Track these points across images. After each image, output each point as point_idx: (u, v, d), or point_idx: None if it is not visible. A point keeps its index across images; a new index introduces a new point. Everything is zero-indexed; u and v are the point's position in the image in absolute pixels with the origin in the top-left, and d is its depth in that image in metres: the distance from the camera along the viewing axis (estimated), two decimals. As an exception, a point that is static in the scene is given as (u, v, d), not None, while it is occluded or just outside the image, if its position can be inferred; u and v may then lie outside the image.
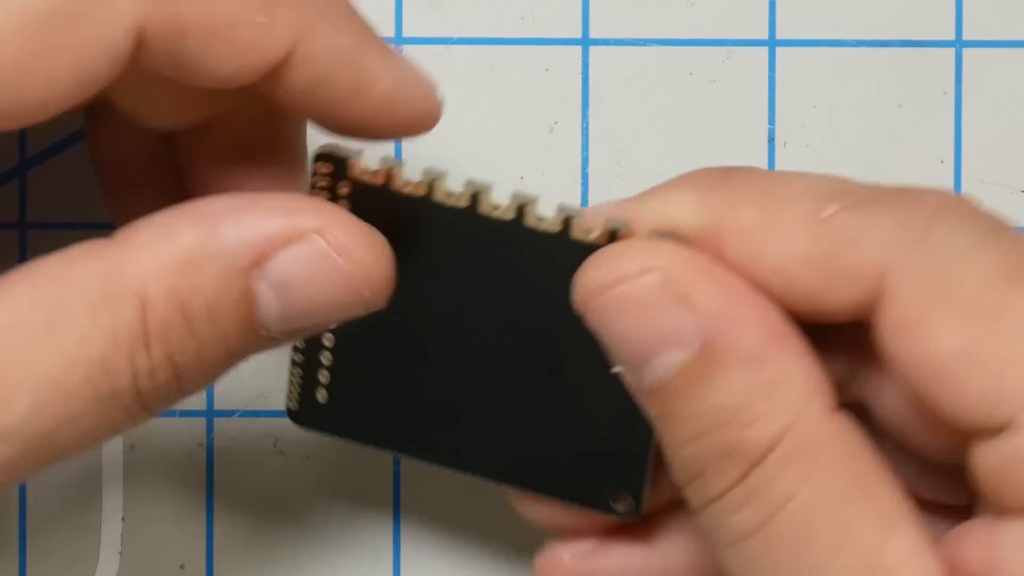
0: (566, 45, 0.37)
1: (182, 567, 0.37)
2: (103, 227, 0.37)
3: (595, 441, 0.31)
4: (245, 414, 0.37)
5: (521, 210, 0.31)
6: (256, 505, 0.37)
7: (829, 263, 0.28)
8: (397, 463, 0.37)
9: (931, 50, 0.37)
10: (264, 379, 0.37)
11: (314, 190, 0.31)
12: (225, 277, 0.28)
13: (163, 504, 0.37)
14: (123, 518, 0.37)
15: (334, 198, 0.31)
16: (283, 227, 0.28)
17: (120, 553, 0.37)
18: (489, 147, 0.38)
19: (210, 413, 0.37)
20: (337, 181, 0.31)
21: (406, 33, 0.37)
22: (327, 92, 0.30)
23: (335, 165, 0.31)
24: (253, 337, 0.29)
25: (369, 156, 0.31)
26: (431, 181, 0.31)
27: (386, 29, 0.37)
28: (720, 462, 0.28)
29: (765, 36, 0.37)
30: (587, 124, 0.37)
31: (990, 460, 0.27)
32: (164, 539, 0.37)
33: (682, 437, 0.28)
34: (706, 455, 0.28)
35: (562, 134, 0.38)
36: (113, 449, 0.37)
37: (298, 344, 0.32)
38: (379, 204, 0.31)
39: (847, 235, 0.28)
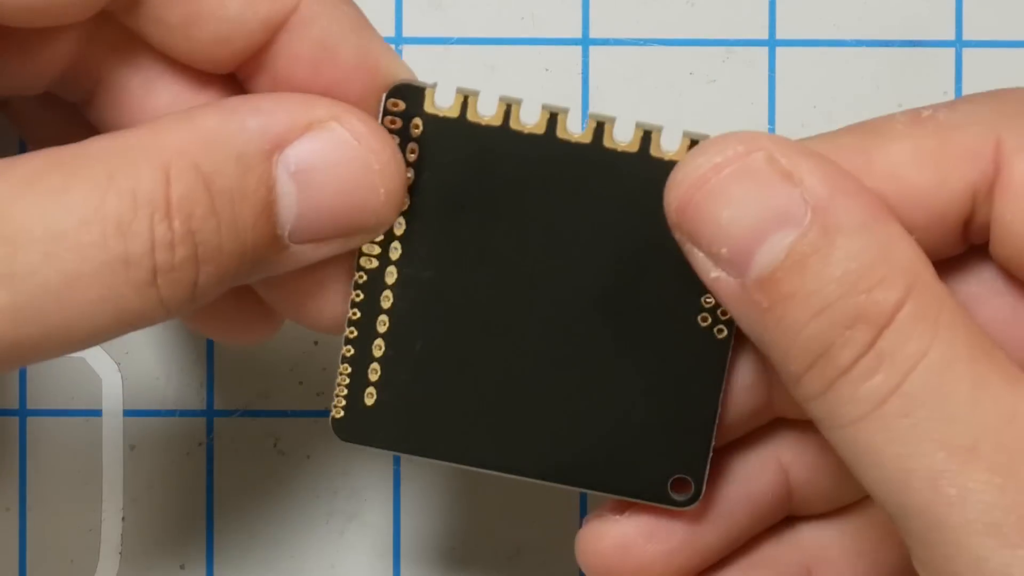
0: (566, 45, 0.37)
1: (182, 567, 0.37)
2: (103, 227, 0.37)
3: (654, 423, 0.31)
4: (245, 414, 0.37)
5: (600, 130, 0.30)
6: (256, 505, 0.37)
7: (940, 151, 0.29)
8: (397, 463, 0.37)
9: (931, 50, 0.37)
10: (264, 379, 0.37)
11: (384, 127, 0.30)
12: (246, 159, 0.28)
13: (163, 504, 0.37)
14: (123, 518, 0.37)
15: (406, 138, 0.30)
16: (302, 114, 0.28)
17: (120, 553, 0.37)
18: (489, 147, 0.38)
19: (210, 413, 0.37)
20: (409, 119, 0.30)
21: (406, 33, 0.37)
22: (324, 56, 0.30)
23: (409, 99, 0.30)
24: (270, 235, 0.28)
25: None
26: (507, 106, 0.30)
27: (386, 29, 0.37)
28: (848, 331, 0.27)
29: (765, 36, 0.37)
30: (586, 123, 0.37)
31: None
32: (164, 539, 0.37)
33: (802, 317, 0.28)
34: (831, 329, 0.28)
35: (562, 134, 0.38)
36: (113, 449, 0.37)
37: (350, 334, 0.31)
38: (453, 139, 0.30)
39: (952, 122, 0.29)
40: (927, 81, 0.37)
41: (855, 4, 0.37)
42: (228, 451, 0.37)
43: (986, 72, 0.37)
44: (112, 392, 0.37)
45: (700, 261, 0.28)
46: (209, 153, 0.28)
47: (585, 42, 0.37)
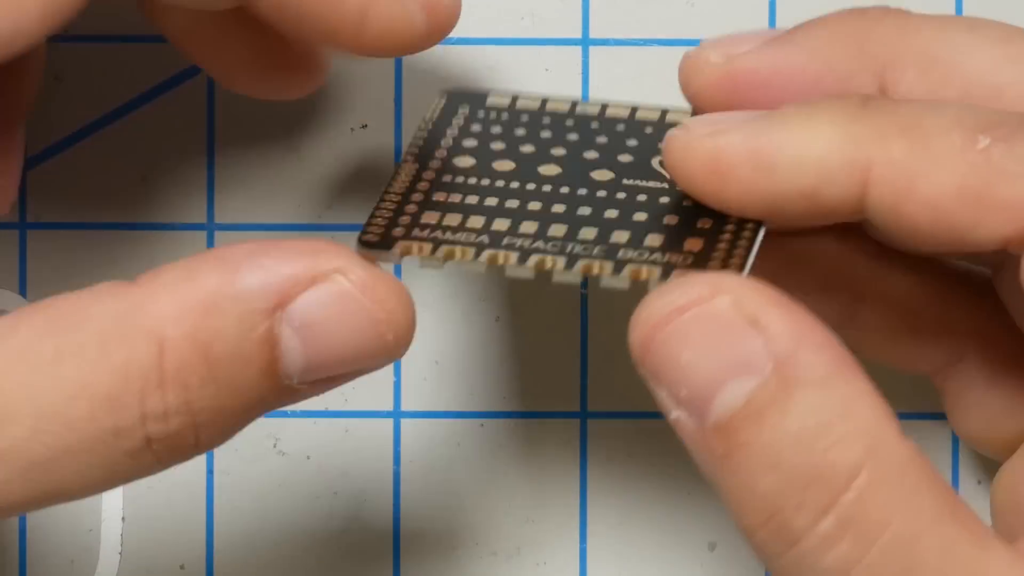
0: (566, 45, 0.37)
1: (182, 567, 0.37)
2: (103, 227, 0.37)
3: None
4: (245, 414, 0.37)
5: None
6: (256, 505, 0.37)
7: (985, 195, 0.28)
8: (397, 462, 0.37)
9: (931, 50, 0.37)
10: (264, 379, 0.37)
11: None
12: (248, 320, 0.28)
13: (163, 504, 0.37)
14: (123, 518, 0.37)
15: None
16: (305, 268, 0.28)
17: (120, 553, 0.37)
18: (489, 147, 0.38)
19: (210, 413, 0.37)
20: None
21: (406, 33, 0.37)
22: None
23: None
24: (275, 386, 0.28)
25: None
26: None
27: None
28: (803, 492, 0.27)
29: (765, 36, 0.37)
30: (587, 124, 0.37)
31: None
32: (164, 539, 0.37)
33: (756, 469, 0.27)
34: (786, 487, 0.27)
35: (562, 134, 0.38)
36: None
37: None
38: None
39: (1005, 167, 0.28)
40: (927, 81, 0.37)
41: (855, 4, 0.37)
42: (228, 451, 0.37)
43: (986, 72, 0.37)
44: (112, 392, 0.37)
45: (662, 400, 0.28)
46: (208, 318, 0.27)
47: (585, 42, 0.37)
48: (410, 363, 0.37)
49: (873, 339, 0.33)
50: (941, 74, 0.30)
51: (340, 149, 0.37)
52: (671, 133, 0.30)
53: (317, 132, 0.37)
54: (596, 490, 0.37)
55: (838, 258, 0.33)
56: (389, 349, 0.29)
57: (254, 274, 0.28)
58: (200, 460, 0.37)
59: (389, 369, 0.37)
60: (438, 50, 0.37)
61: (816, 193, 0.29)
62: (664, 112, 0.32)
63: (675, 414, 0.28)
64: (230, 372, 0.28)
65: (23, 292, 0.37)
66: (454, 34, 0.37)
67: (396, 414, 0.37)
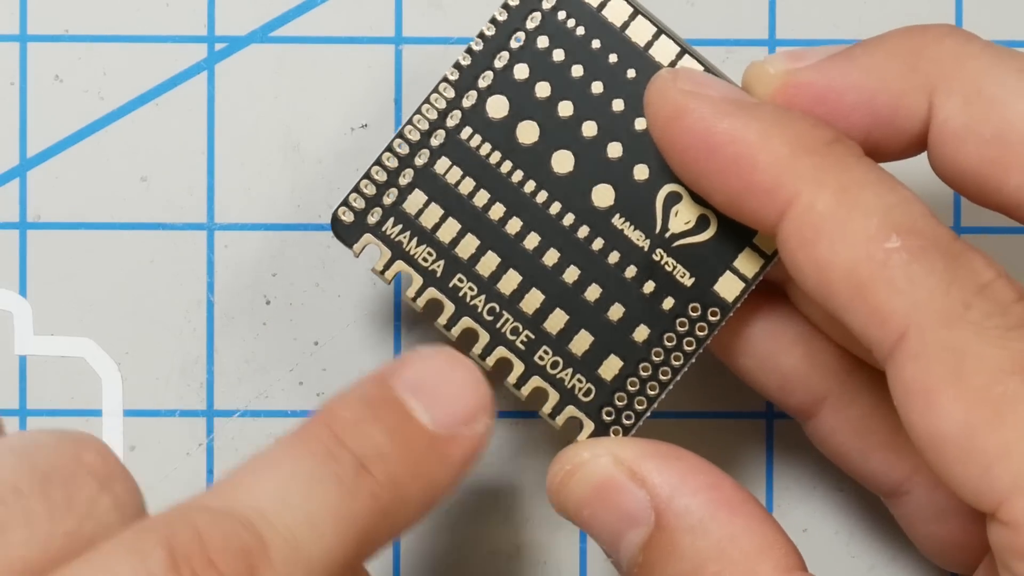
0: (566, 45, 0.37)
1: (182, 567, 0.37)
2: (103, 227, 0.37)
3: None
4: (245, 414, 0.37)
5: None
6: (256, 505, 0.37)
7: (865, 290, 0.29)
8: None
9: (931, 50, 0.37)
10: (264, 379, 0.37)
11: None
12: None
13: (163, 505, 0.37)
14: (123, 518, 0.37)
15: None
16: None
17: (120, 553, 0.37)
18: (489, 147, 0.37)
19: (210, 413, 0.37)
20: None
21: (406, 33, 0.37)
22: None
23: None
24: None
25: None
26: None
27: (386, 29, 0.37)
28: None
29: (765, 36, 0.37)
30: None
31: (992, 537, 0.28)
32: (164, 539, 0.37)
33: None
34: None
35: (562, 134, 0.38)
36: (113, 449, 0.37)
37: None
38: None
39: (893, 275, 0.28)
40: (927, 81, 0.37)
41: (855, 4, 0.37)
42: (228, 451, 0.37)
43: (986, 72, 0.37)
44: (112, 392, 0.37)
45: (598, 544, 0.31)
46: None
47: (585, 42, 0.37)
48: (410, 363, 0.37)
49: (827, 444, 0.34)
50: (981, 110, 0.30)
51: (340, 149, 0.37)
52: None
53: (317, 132, 0.37)
54: (596, 490, 0.37)
55: (797, 368, 0.34)
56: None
57: None
58: (200, 460, 0.37)
59: (389, 369, 0.37)
60: (438, 50, 0.37)
61: (740, 196, 0.30)
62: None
63: (607, 556, 0.31)
64: None
65: (23, 292, 0.37)
66: (454, 34, 0.37)
67: (396, 414, 0.37)
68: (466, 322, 0.32)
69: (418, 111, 0.33)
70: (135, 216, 0.37)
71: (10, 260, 0.37)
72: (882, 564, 0.37)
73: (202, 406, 0.37)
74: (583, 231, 0.32)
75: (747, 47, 0.37)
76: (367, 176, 0.33)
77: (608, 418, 0.32)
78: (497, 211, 0.33)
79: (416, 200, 0.33)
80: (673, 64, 0.33)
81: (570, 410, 0.32)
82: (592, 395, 0.32)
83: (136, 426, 0.37)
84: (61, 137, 0.37)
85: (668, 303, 0.32)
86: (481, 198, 0.33)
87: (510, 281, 0.32)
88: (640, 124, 0.32)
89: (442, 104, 0.33)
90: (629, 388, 0.32)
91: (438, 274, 0.32)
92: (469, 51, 0.33)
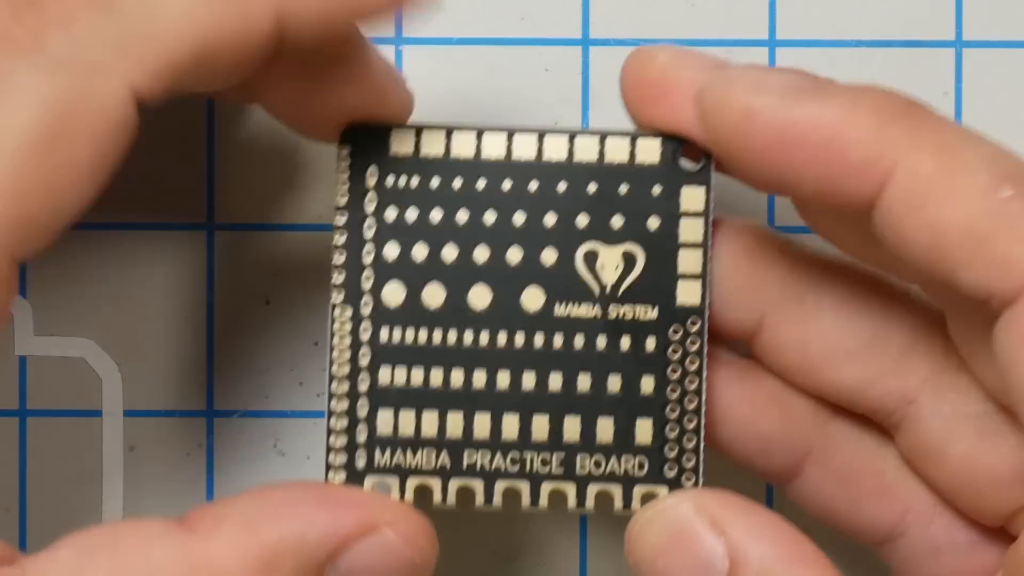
0: (566, 45, 0.37)
1: (182, 567, 0.37)
2: (103, 227, 0.37)
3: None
4: (245, 414, 0.37)
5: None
6: (256, 505, 0.37)
7: (988, 243, 0.28)
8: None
9: (931, 50, 0.37)
10: (264, 379, 0.37)
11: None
12: (304, 571, 0.29)
13: (163, 504, 0.37)
14: (123, 518, 0.37)
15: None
16: (360, 520, 0.29)
17: (120, 553, 0.37)
18: (489, 147, 0.38)
19: (210, 413, 0.37)
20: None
21: (406, 33, 0.37)
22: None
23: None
24: None
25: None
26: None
27: (386, 29, 0.37)
28: None
29: (765, 36, 0.37)
30: (587, 124, 0.37)
31: None
32: (164, 539, 0.37)
33: None
34: None
35: (562, 134, 0.38)
36: (113, 449, 0.37)
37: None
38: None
39: (1017, 224, 0.28)
40: (927, 81, 0.37)
41: (855, 4, 0.37)
42: (228, 451, 0.37)
43: (986, 72, 0.37)
44: (112, 392, 0.37)
45: None
46: (269, 572, 0.29)
47: (585, 42, 0.37)
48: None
49: (815, 502, 0.34)
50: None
51: (340, 149, 0.37)
52: (710, 81, 0.31)
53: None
54: (596, 490, 0.37)
55: (775, 428, 0.33)
56: None
57: (312, 526, 0.29)
58: (200, 460, 0.37)
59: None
60: (438, 51, 0.37)
61: (835, 179, 0.29)
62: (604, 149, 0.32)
63: None
64: None
65: (23, 292, 0.37)
66: (454, 34, 0.37)
67: (396, 414, 0.37)
68: (456, 482, 0.32)
69: (331, 347, 0.32)
70: (135, 216, 0.37)
71: (10, 260, 0.37)
72: None
73: (202, 406, 0.37)
74: (539, 339, 0.32)
75: (747, 47, 0.37)
76: (330, 432, 0.32)
77: (672, 472, 0.32)
78: (457, 378, 0.32)
79: (385, 420, 0.32)
80: (539, 150, 0.32)
81: (637, 491, 0.32)
82: (647, 465, 0.32)
83: (136, 426, 0.37)
84: (61, 137, 0.37)
85: (650, 344, 0.32)
86: (436, 378, 0.32)
87: (511, 426, 0.32)
88: (520, 218, 0.32)
89: (348, 327, 0.32)
90: (670, 435, 0.32)
91: (448, 466, 0.32)
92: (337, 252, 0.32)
